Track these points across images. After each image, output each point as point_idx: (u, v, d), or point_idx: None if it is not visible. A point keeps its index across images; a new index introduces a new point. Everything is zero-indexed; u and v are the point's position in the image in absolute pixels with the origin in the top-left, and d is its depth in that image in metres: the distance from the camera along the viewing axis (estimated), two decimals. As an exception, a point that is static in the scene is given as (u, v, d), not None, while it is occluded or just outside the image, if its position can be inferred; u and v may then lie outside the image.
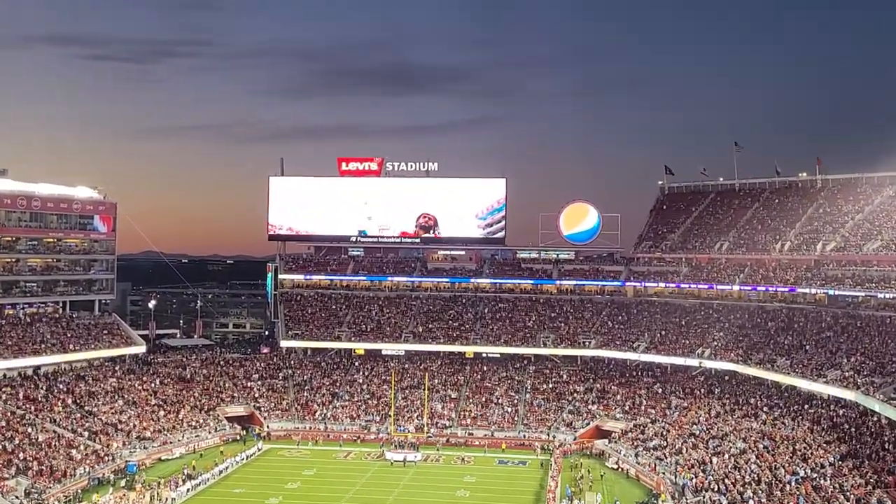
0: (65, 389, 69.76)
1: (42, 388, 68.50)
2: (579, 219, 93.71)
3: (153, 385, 76.16)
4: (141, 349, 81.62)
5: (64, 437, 61.17)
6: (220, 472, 60.12)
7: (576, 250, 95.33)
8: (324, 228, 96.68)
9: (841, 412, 57.19)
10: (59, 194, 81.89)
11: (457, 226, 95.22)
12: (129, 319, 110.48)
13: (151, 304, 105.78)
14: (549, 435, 71.39)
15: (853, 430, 53.36)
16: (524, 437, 71.83)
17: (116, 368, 77.31)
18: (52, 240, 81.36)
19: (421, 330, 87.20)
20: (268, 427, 73.79)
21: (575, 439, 70.41)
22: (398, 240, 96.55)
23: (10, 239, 77.84)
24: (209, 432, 70.59)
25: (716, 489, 47.34)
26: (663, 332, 79.54)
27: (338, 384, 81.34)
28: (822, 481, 44.64)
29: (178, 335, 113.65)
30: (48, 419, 63.58)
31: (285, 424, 74.52)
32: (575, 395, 77.76)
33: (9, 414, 62.34)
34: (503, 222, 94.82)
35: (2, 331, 72.59)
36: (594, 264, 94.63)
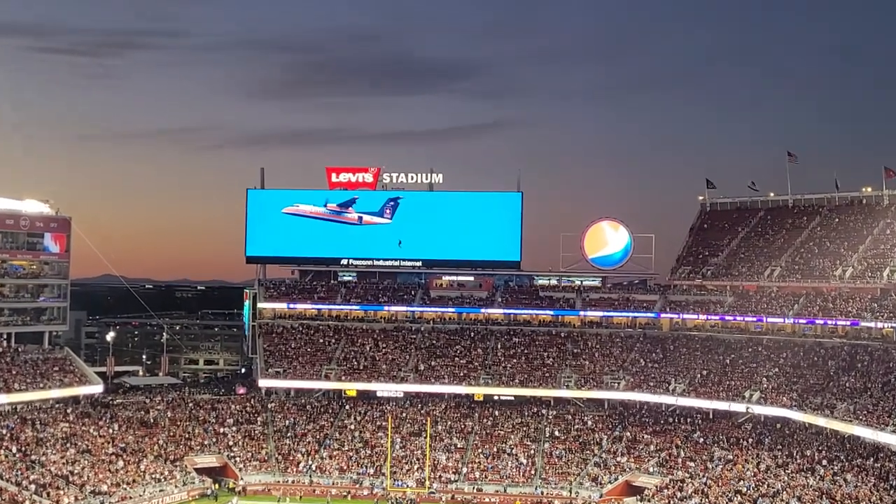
0: (8, 435, 69.84)
1: (-18, 434, 68.54)
2: (606, 240, 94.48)
3: (111, 431, 76.25)
4: (97, 389, 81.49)
5: (7, 491, 61.16)
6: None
7: (602, 276, 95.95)
8: (310, 250, 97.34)
9: (913, 467, 57.27)
10: (4, 209, 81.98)
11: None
12: (84, 354, 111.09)
13: (110, 336, 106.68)
14: (571, 492, 71.56)
15: (928, 488, 53.36)
16: (542, 493, 72.04)
17: (69, 411, 77.42)
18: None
19: (422, 368, 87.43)
20: (243, 480, 74.12)
21: (601, 497, 70.60)
22: (395, 262, 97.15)
23: (-53, 260, 78.03)
24: (176, 486, 70.77)
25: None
26: (704, 373, 79.65)
27: (325, 431, 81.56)
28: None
29: (141, 373, 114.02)
30: (-12, 470, 63.53)
31: (264, 477, 74.87)
32: (601, 445, 77.86)
33: (-57, 463, 62.44)
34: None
35: (-64, 366, 72.81)
36: (624, 292, 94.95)
